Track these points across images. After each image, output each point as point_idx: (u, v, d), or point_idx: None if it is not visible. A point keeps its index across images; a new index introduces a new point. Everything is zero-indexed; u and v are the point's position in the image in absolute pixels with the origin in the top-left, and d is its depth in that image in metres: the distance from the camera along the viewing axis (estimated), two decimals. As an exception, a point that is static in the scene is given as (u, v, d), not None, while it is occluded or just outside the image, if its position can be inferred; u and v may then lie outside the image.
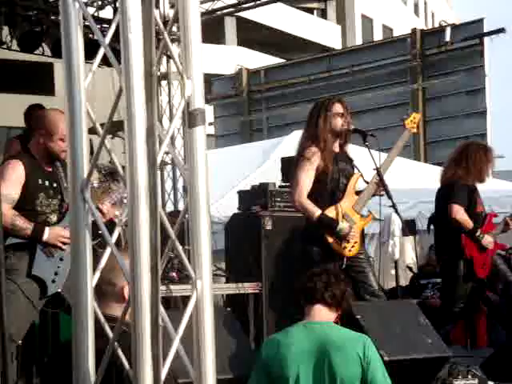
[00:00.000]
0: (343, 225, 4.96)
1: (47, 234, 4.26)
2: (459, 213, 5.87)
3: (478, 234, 5.94)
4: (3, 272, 2.44)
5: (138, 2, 1.56)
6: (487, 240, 5.99)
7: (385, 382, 3.64)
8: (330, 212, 5.01)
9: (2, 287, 2.34)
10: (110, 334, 1.65)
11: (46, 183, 4.35)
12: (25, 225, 4.21)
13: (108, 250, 1.70)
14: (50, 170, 4.44)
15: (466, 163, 6.01)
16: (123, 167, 1.62)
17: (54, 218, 4.38)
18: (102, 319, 1.65)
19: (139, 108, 1.52)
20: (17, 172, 4.28)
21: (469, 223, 5.91)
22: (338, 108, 5.10)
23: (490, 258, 6.16)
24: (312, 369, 3.63)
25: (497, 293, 7.68)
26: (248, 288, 6.02)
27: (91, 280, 1.67)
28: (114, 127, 5.47)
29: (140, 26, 1.55)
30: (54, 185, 4.41)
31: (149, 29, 1.54)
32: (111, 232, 1.70)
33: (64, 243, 4.23)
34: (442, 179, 6.16)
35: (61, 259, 4.34)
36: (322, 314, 3.79)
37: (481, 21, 17.50)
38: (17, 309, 4.18)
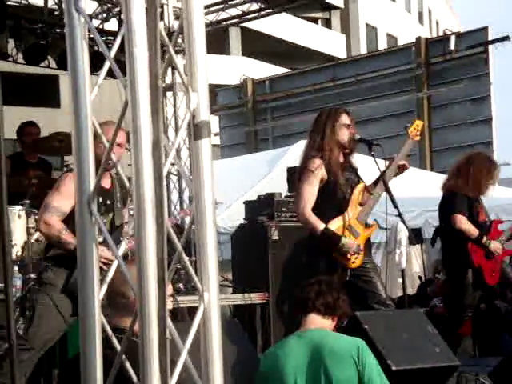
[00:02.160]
0: (346, 240, 4.95)
1: None
2: (463, 222, 5.88)
3: (484, 240, 5.94)
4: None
5: (142, 16, 1.57)
6: (495, 246, 5.99)
7: (381, 383, 3.65)
8: (335, 224, 5.00)
9: (9, 281, 2.32)
10: (118, 347, 1.65)
11: (100, 199, 4.32)
12: (70, 239, 4.16)
13: (115, 263, 1.70)
14: (108, 187, 4.42)
15: (466, 174, 6.03)
16: (129, 179, 1.63)
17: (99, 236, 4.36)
18: (110, 332, 1.65)
19: (145, 121, 1.52)
20: (72, 185, 4.28)
21: (474, 231, 5.91)
22: (344, 119, 5.11)
23: (499, 264, 6.16)
24: (308, 376, 3.67)
25: (506, 301, 7.67)
26: (255, 298, 6.02)
27: (98, 293, 1.67)
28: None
29: (145, 40, 1.56)
30: (108, 202, 4.40)
31: (154, 42, 1.54)
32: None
33: (105, 263, 4.13)
34: (443, 187, 6.18)
35: None
36: (316, 323, 3.83)
37: (485, 29, 17.50)
38: (47, 323, 4.21)
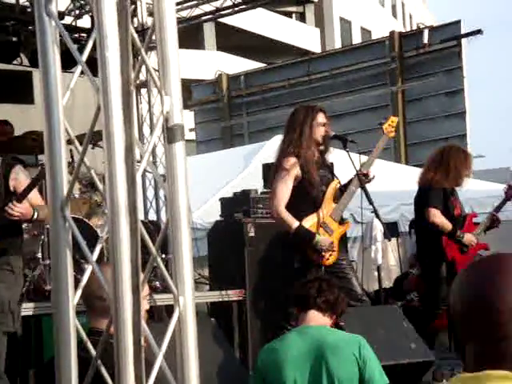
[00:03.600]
0: (320, 237, 4.97)
1: None
2: (436, 216, 5.93)
3: (458, 234, 5.99)
4: None
5: (114, 20, 1.56)
6: (469, 239, 6.04)
7: (382, 380, 3.69)
8: (309, 221, 5.02)
9: None
10: (93, 351, 1.64)
11: None
12: None
13: (90, 268, 1.69)
14: None
15: (445, 166, 6.06)
16: (103, 177, 1.62)
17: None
18: (85, 337, 1.65)
19: (118, 126, 1.52)
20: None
21: (448, 225, 5.97)
22: (321, 118, 5.14)
23: (473, 258, 6.21)
24: (309, 372, 3.67)
25: None
26: (232, 295, 6.03)
27: (73, 298, 1.67)
28: (95, 137, 5.45)
29: (117, 43, 1.55)
30: None
31: (126, 46, 1.54)
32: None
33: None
34: (419, 180, 6.22)
35: None
36: (317, 319, 3.86)
37: (458, 22, 17.60)
38: None
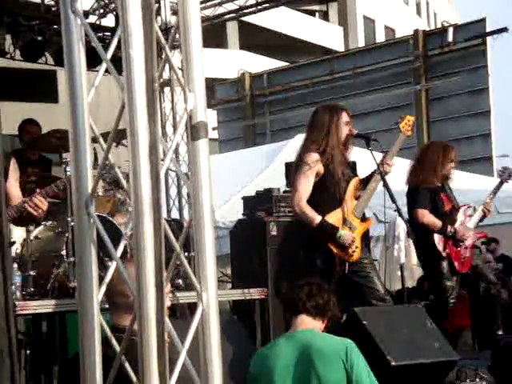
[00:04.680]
0: (343, 232, 4.96)
1: None
2: (425, 216, 6.02)
3: (449, 230, 6.02)
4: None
5: (138, 18, 1.57)
6: (461, 233, 6.05)
7: (370, 383, 3.67)
8: (332, 218, 5.01)
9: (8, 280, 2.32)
10: (117, 347, 1.65)
11: None
12: None
13: (113, 264, 1.70)
14: None
15: (425, 165, 6.15)
16: (127, 175, 1.63)
17: None
18: (109, 334, 1.66)
19: (142, 124, 1.52)
20: None
21: (437, 223, 6.05)
22: (345, 117, 5.15)
23: (470, 251, 6.22)
24: (298, 378, 3.68)
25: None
26: (254, 294, 6.02)
27: (97, 294, 1.68)
28: (119, 135, 5.48)
29: (141, 42, 1.56)
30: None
31: (150, 45, 1.54)
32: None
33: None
34: (406, 181, 6.28)
35: None
36: (306, 324, 3.85)
37: (483, 20, 17.48)
38: None
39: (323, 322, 3.87)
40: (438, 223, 6.04)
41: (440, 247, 6.06)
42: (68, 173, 5.50)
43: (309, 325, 3.83)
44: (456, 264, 6.09)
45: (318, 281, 4.11)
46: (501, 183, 6.54)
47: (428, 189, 6.10)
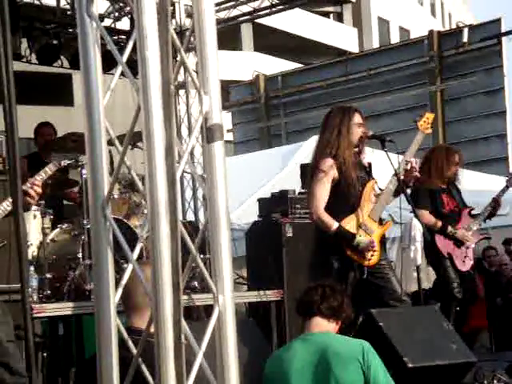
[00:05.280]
0: (360, 238, 4.94)
1: None
2: (424, 217, 6.08)
3: (449, 230, 6.06)
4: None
5: (154, 20, 1.57)
6: (462, 234, 6.08)
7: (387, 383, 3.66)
8: (348, 223, 4.99)
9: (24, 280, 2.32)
10: (134, 350, 1.66)
11: None
12: None
13: (130, 267, 1.71)
14: None
15: (428, 167, 6.22)
16: (143, 177, 1.63)
17: None
18: (126, 336, 1.66)
19: (157, 126, 1.53)
20: None
21: (437, 223, 6.15)
22: (358, 118, 5.12)
23: (472, 250, 6.26)
24: (314, 380, 3.67)
25: None
26: (270, 295, 6.02)
27: (114, 296, 1.68)
28: (134, 137, 5.49)
29: (157, 44, 1.57)
30: None
31: (166, 47, 1.55)
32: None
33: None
34: None
35: None
36: (320, 326, 3.84)
37: (498, 21, 17.39)
38: None
39: (337, 323, 3.87)
40: (438, 223, 6.15)
41: (441, 246, 6.11)
42: (84, 176, 5.53)
43: (323, 327, 3.83)
44: (457, 263, 6.14)
45: (330, 282, 4.10)
46: (507, 188, 6.58)
47: (428, 190, 6.19)
